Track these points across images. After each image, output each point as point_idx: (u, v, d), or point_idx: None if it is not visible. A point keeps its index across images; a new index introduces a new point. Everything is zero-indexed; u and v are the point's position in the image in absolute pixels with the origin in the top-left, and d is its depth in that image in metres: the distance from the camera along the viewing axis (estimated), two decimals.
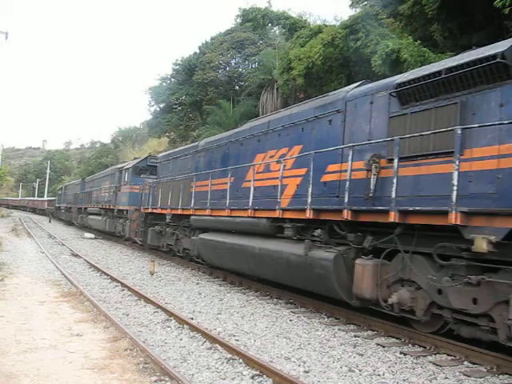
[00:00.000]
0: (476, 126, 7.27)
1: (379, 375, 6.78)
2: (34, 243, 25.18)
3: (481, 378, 6.83)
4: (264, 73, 35.38)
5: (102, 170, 40.07)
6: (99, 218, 32.19)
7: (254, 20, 37.74)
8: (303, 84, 26.90)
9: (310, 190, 10.20)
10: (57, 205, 59.08)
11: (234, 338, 8.33)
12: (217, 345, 7.75)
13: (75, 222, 43.41)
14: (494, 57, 7.31)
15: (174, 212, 18.36)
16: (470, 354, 7.61)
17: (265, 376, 6.39)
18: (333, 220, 9.75)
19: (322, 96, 12.10)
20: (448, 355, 7.79)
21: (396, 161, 8.13)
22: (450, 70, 7.95)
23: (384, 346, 8.27)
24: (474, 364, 7.39)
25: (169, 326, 9.03)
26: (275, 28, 45.47)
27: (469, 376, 6.87)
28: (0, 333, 7.96)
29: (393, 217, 8.09)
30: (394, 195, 8.11)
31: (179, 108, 49.56)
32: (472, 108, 7.66)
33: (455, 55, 10.05)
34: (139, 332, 8.49)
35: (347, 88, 10.92)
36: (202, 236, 15.45)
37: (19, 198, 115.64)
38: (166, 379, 6.10)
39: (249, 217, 12.46)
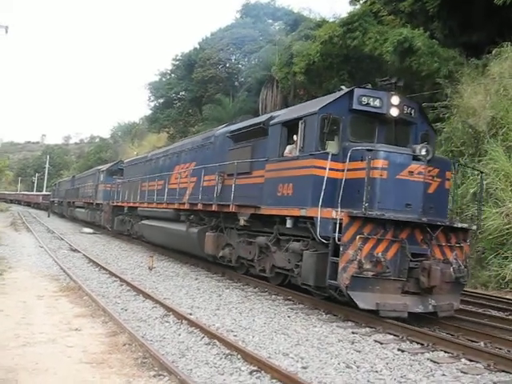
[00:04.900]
0: (240, 161, 12.97)
1: (377, 372, 6.80)
2: (32, 237, 25.16)
3: (478, 375, 6.86)
4: (263, 69, 35.32)
5: (101, 165, 41.00)
6: (83, 210, 37.77)
7: (257, 16, 37.70)
8: (303, 81, 26.87)
9: (188, 192, 16.46)
10: (51, 199, 60.93)
11: (233, 334, 8.35)
12: (215, 340, 7.76)
13: (66, 215, 48.25)
14: (260, 123, 12.56)
15: (129, 205, 24.27)
16: (467, 351, 7.65)
17: (263, 372, 6.41)
18: (198, 210, 15.36)
19: (208, 130, 19.10)
20: (445, 352, 7.82)
21: (217, 176, 14.09)
22: (247, 127, 13.34)
23: (382, 343, 8.30)
24: (471, 361, 7.42)
25: (167, 321, 9.06)
26: (275, 24, 45.50)
27: (466, 373, 6.90)
28: None
29: (213, 207, 14.11)
30: (215, 195, 14.05)
31: (179, 103, 49.48)
32: (256, 149, 12.67)
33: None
34: (138, 327, 8.50)
35: (218, 128, 16.64)
36: (143, 222, 21.53)
37: (15, 192, 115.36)
38: (165, 374, 6.11)
39: (164, 208, 18.51)
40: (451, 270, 9.55)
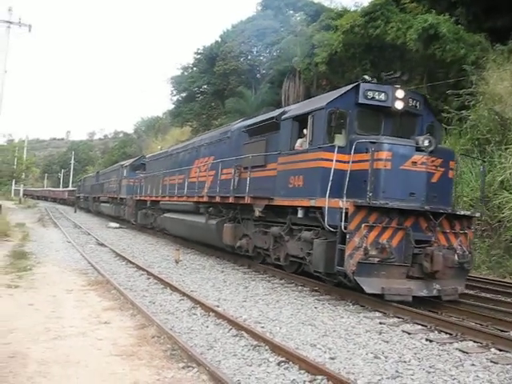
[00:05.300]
0: (250, 155, 13.73)
1: (405, 362, 6.78)
2: (60, 233, 25.46)
3: (508, 364, 6.80)
4: (285, 60, 35.15)
5: (124, 161, 41.48)
6: (108, 205, 39.12)
7: (278, 8, 37.51)
8: (326, 71, 26.73)
9: (207, 185, 17.05)
10: (77, 194, 62.10)
11: (260, 326, 8.39)
12: (243, 332, 7.81)
13: (91, 210, 49.79)
14: (272, 118, 13.13)
15: (151, 199, 25.32)
16: (496, 341, 7.59)
17: (291, 362, 6.43)
18: (216, 202, 15.99)
19: (225, 125, 19.76)
20: (474, 342, 7.77)
21: (233, 169, 14.63)
22: (261, 121, 13.89)
23: (410, 333, 8.26)
24: (501, 351, 7.37)
25: (195, 314, 9.12)
26: (297, 15, 45.24)
27: (496, 362, 6.84)
28: (30, 321, 8.11)
29: (230, 200, 14.63)
30: (232, 188, 14.58)
31: (201, 97, 49.52)
32: (270, 143, 13.21)
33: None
34: (166, 319, 8.58)
35: (234, 123, 17.26)
36: (165, 215, 22.39)
37: (41, 188, 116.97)
38: (194, 365, 6.17)
39: (184, 201, 19.29)
40: (454, 255, 10.01)
